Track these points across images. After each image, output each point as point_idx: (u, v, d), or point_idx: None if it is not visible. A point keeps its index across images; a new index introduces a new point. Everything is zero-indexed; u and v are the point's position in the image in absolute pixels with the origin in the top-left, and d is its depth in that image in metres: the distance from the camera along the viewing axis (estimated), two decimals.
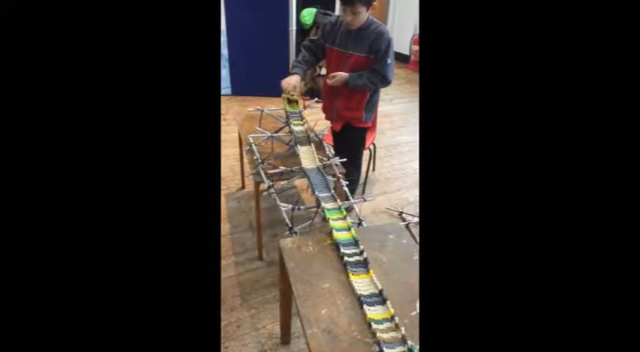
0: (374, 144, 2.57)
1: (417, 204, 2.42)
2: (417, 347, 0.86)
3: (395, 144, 3.29)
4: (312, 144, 1.67)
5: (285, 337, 1.48)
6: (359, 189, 2.39)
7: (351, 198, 1.45)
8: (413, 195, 2.54)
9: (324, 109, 2.04)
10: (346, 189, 1.50)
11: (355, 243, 1.18)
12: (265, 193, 1.46)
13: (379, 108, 2.15)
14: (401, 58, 5.40)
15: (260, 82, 3.87)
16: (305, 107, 1.86)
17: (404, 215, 2.29)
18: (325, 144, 1.75)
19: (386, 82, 1.78)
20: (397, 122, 3.76)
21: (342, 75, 1.73)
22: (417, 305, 0.99)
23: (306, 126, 1.79)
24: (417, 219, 2.26)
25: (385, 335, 0.89)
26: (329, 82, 1.76)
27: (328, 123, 2.08)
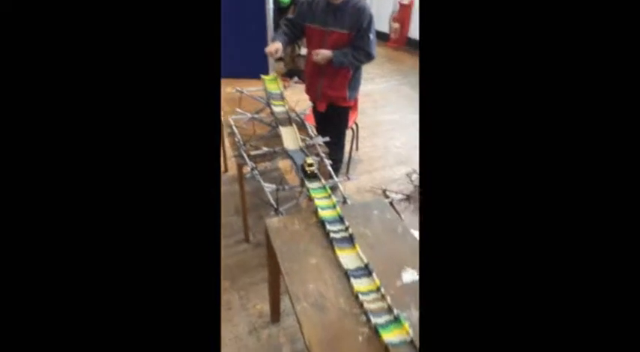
0: (356, 124, 2.57)
1: (400, 181, 2.46)
2: (403, 314, 0.89)
3: (377, 123, 3.30)
4: (294, 125, 1.66)
5: (275, 315, 1.50)
6: (342, 169, 2.41)
7: (335, 177, 1.46)
8: (396, 172, 2.57)
9: (308, 90, 2.02)
10: (330, 168, 1.51)
11: (340, 219, 1.20)
12: (249, 175, 1.45)
13: (360, 88, 2.15)
14: (381, 36, 5.35)
15: (238, 63, 3.77)
16: (286, 87, 1.84)
17: (387, 192, 2.32)
18: (307, 125, 1.74)
19: (370, 58, 1.77)
20: (379, 101, 3.76)
21: (327, 52, 1.71)
22: (403, 275, 1.02)
23: (287, 106, 1.77)
24: (400, 196, 2.30)
25: (372, 306, 0.92)
26: (314, 58, 1.73)
27: (309, 103, 2.06)
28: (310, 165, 1.38)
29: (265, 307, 1.55)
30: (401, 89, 4.12)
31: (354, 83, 1.91)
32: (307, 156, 1.43)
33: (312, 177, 1.36)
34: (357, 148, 2.80)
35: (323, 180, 1.37)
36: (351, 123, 2.37)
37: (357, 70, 1.89)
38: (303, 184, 1.37)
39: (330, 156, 1.62)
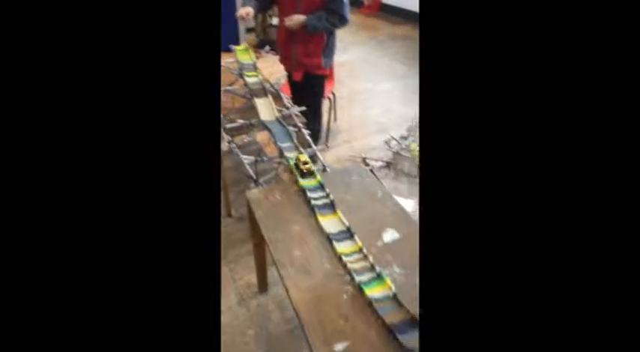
0: (333, 94, 2.55)
1: (380, 149, 2.48)
2: (385, 272, 0.93)
3: (354, 92, 3.28)
4: (270, 96, 1.63)
5: (263, 285, 1.54)
6: (322, 139, 2.40)
7: (313, 146, 1.46)
8: (375, 140, 2.59)
9: (283, 60, 1.97)
10: (308, 138, 1.50)
11: (321, 187, 1.21)
12: (226, 149, 1.43)
13: (335, 57, 2.11)
14: (353, 3, 5.21)
15: None
16: (258, 58, 1.79)
17: (367, 160, 2.35)
18: (283, 95, 1.71)
19: (344, 22, 1.74)
20: (355, 70, 3.72)
21: (300, 17, 1.66)
22: (383, 235, 1.05)
23: (260, 77, 1.73)
24: (380, 163, 2.33)
25: (355, 266, 0.95)
26: (287, 24, 1.68)
27: (284, 73, 2.02)
28: (305, 163, 1.25)
29: (253, 278, 1.58)
30: (377, 57, 4.07)
31: (328, 51, 1.88)
32: (299, 151, 1.32)
33: (309, 175, 1.22)
34: (335, 119, 2.79)
35: (302, 149, 1.37)
36: (327, 93, 2.35)
37: (330, 37, 1.85)
38: (282, 155, 1.36)
39: (307, 126, 1.61)
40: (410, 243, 1.03)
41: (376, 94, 3.26)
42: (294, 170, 1.24)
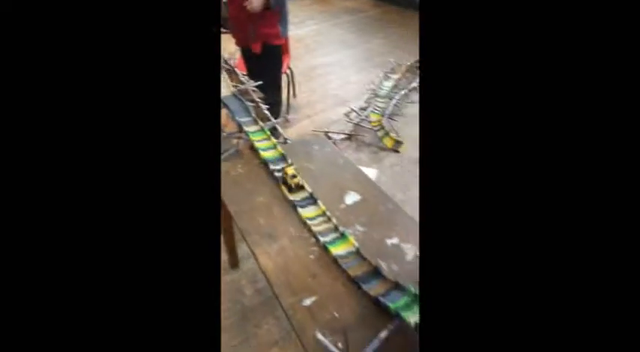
0: (291, 70, 2.53)
1: (341, 121, 2.52)
2: (348, 231, 0.98)
3: (312, 67, 3.26)
4: (223, 71, 1.60)
5: (233, 260, 1.56)
6: (282, 113, 2.40)
7: (272, 119, 1.46)
8: (335, 113, 2.62)
9: (238, 37, 1.93)
10: (267, 112, 1.50)
11: (283, 158, 1.23)
12: None
13: (290, 33, 2.09)
14: None
15: None
16: None
17: (329, 134, 2.38)
18: (238, 71, 1.68)
19: None
20: (311, 45, 3.69)
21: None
22: (346, 198, 1.10)
23: None
24: (342, 136, 2.37)
25: (319, 228, 0.99)
26: (249, 7, 1.64)
27: (236, 49, 1.99)
28: (294, 176, 1.11)
29: (223, 255, 1.59)
30: (332, 31, 4.05)
31: (283, 20, 1.89)
32: (259, 125, 1.29)
33: (299, 188, 1.11)
34: (294, 94, 2.78)
35: (261, 123, 1.37)
36: (285, 68, 2.33)
37: (283, 7, 1.84)
38: (241, 130, 1.36)
39: (268, 99, 1.60)
40: (370, 203, 1.08)
41: (334, 68, 3.26)
42: (282, 186, 1.12)
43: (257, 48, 1.93)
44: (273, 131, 1.45)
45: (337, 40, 3.83)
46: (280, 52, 2.03)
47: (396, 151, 2.26)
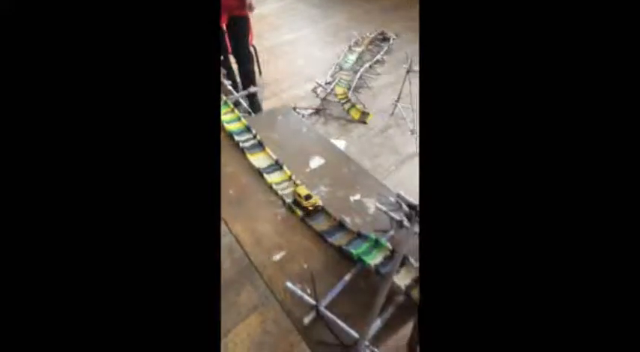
0: (254, 47, 2.51)
1: (308, 97, 2.54)
2: (314, 191, 1.03)
3: (276, 45, 3.24)
4: None
5: None
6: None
7: (234, 92, 1.48)
8: (303, 90, 2.63)
9: None
10: (230, 87, 1.51)
11: (247, 129, 1.25)
12: None
13: (254, 12, 2.09)
14: None
15: None
16: None
17: (297, 110, 2.40)
18: None
19: None
20: (274, 23, 3.64)
21: None
22: (310, 163, 1.14)
23: None
24: (310, 111, 2.40)
25: (286, 191, 1.03)
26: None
27: None
28: (308, 197, 0.96)
29: None
30: (295, 7, 4.00)
31: None
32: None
33: (318, 211, 0.97)
34: (260, 73, 2.76)
35: (224, 96, 1.38)
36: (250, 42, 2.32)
37: None
38: None
39: (242, 69, 1.64)
40: (334, 166, 1.13)
41: (299, 44, 3.25)
42: (294, 208, 0.97)
43: (223, 20, 1.97)
44: (252, 101, 1.47)
45: (301, 16, 3.79)
46: (246, 23, 2.08)
47: (364, 122, 2.32)
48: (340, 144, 2.18)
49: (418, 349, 0.76)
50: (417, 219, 0.63)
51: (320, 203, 0.96)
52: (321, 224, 0.94)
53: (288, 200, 1.00)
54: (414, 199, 0.61)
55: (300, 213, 0.95)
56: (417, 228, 0.75)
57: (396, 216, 0.90)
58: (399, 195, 0.62)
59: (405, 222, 0.87)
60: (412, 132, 2.14)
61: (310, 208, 0.95)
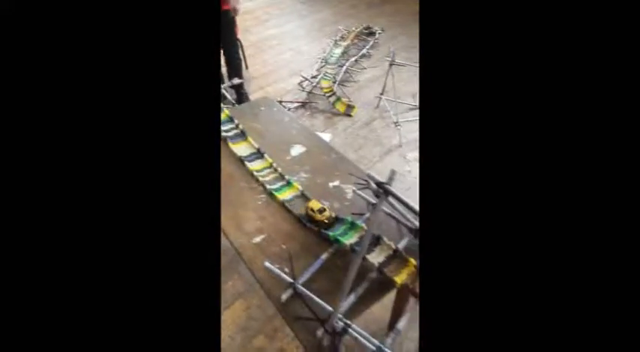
0: (239, 41, 2.52)
1: (294, 91, 2.56)
2: (294, 178, 1.06)
3: (263, 39, 3.25)
4: None
5: None
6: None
7: (227, 81, 1.49)
8: (289, 83, 2.65)
9: None
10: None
11: (230, 119, 1.27)
12: None
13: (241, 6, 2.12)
14: None
15: None
16: None
17: (283, 103, 2.42)
18: None
19: None
20: (261, 17, 3.64)
21: None
22: (291, 151, 1.17)
23: None
24: (296, 104, 2.42)
25: (267, 178, 1.06)
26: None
27: None
28: (322, 210, 0.92)
29: None
30: (282, 1, 4.00)
31: None
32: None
33: (335, 221, 0.93)
34: (246, 66, 2.77)
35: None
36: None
37: None
38: None
39: (230, 60, 1.66)
40: (313, 153, 1.16)
41: (285, 38, 3.27)
42: (305, 222, 0.93)
43: None
44: (239, 93, 1.48)
45: (288, 11, 3.80)
46: (230, 16, 2.11)
47: (349, 115, 2.35)
48: (326, 136, 2.21)
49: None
50: (385, 197, 0.67)
51: (333, 214, 0.93)
52: (299, 209, 0.97)
53: (269, 186, 1.03)
54: (383, 178, 0.64)
55: (314, 227, 0.91)
56: (384, 206, 0.79)
57: (372, 199, 0.93)
58: (368, 175, 0.66)
59: (373, 200, 0.90)
60: (396, 124, 2.18)
61: (326, 221, 0.92)
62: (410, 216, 0.87)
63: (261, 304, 1.36)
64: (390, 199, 0.68)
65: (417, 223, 0.86)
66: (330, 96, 2.38)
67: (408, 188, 1.87)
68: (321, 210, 0.93)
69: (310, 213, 0.93)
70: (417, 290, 0.74)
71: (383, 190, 0.68)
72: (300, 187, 1.02)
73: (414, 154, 2.07)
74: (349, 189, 1.03)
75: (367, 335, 0.68)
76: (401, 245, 0.84)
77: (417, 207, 0.77)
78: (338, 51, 2.80)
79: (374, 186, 0.68)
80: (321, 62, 2.70)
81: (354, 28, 3.18)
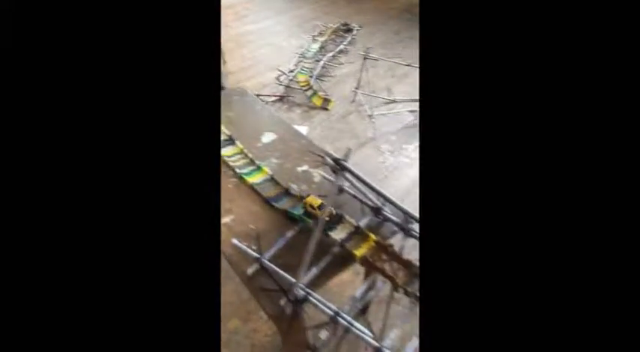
0: None
1: (272, 85, 2.59)
2: (264, 163, 1.10)
3: (242, 34, 3.26)
4: None
5: None
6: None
7: None
8: (267, 78, 2.68)
9: None
10: None
11: None
12: None
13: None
14: None
15: None
16: None
17: (261, 97, 2.45)
18: None
19: None
20: (241, 12, 3.65)
21: None
22: (262, 138, 1.21)
23: None
24: (273, 98, 2.45)
25: (237, 163, 1.10)
26: None
27: None
28: (322, 206, 0.87)
29: None
30: None
31: None
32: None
33: (336, 219, 0.88)
34: (224, 61, 2.78)
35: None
36: None
37: None
38: None
39: None
40: (284, 141, 1.21)
41: (263, 34, 3.29)
42: (302, 218, 0.91)
43: None
44: None
45: (267, 6, 3.82)
46: None
47: (325, 109, 2.40)
48: (303, 129, 2.26)
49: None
50: (343, 173, 0.72)
51: (334, 211, 0.88)
52: (268, 191, 1.01)
53: (239, 170, 1.06)
54: (339, 156, 0.69)
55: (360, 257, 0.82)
56: (341, 182, 0.84)
57: (337, 181, 0.98)
58: (325, 152, 0.70)
59: (331, 177, 0.94)
60: (370, 117, 2.24)
61: (327, 219, 0.85)
62: (372, 196, 0.92)
63: (236, 288, 1.39)
64: (348, 175, 0.73)
65: (377, 202, 0.91)
66: (307, 90, 2.43)
67: (385, 177, 1.93)
68: (322, 207, 0.88)
69: (310, 210, 0.89)
70: (377, 264, 0.79)
71: (339, 166, 0.72)
72: (269, 171, 1.06)
73: (387, 146, 2.14)
74: (316, 173, 1.08)
75: (326, 301, 0.73)
76: (362, 222, 0.89)
77: (375, 185, 0.82)
78: (315, 46, 2.84)
79: (330, 162, 0.73)
80: (299, 57, 2.74)
81: (332, 25, 3.22)
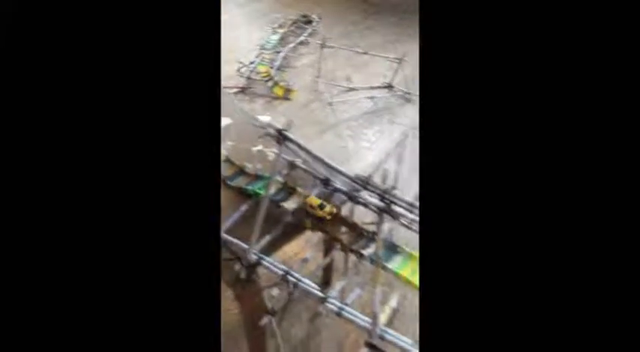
0: None
1: (233, 77, 2.60)
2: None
3: None
4: None
5: None
6: None
7: None
8: (228, 70, 2.68)
9: None
10: None
11: None
12: None
13: None
14: None
15: None
16: None
17: (223, 88, 2.46)
18: None
19: None
20: None
21: None
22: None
23: None
24: (235, 90, 2.47)
25: None
26: None
27: None
28: (322, 206, 0.86)
29: None
30: None
31: None
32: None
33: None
34: None
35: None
36: None
37: None
38: None
39: None
40: (238, 124, 1.25)
41: (223, 26, 3.27)
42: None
43: None
44: None
45: (226, 0, 3.79)
46: None
47: (287, 99, 2.44)
48: (265, 119, 2.29)
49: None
50: (286, 143, 0.77)
51: (334, 210, 0.87)
52: (224, 171, 1.05)
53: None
54: (281, 126, 0.75)
55: (309, 224, 0.85)
56: (284, 153, 0.89)
57: (289, 158, 1.03)
58: (268, 123, 0.76)
59: (275, 150, 0.98)
60: (330, 104, 2.31)
61: (328, 217, 0.84)
62: (320, 167, 0.98)
63: None
64: (290, 145, 0.79)
65: (325, 173, 0.97)
66: (267, 80, 2.46)
67: (346, 160, 2.01)
68: (322, 206, 0.87)
69: (310, 210, 0.87)
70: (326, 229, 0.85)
71: (282, 136, 0.78)
72: (225, 152, 1.10)
73: (348, 131, 2.21)
74: (271, 152, 1.13)
75: (276, 263, 0.79)
76: (313, 193, 0.95)
77: (322, 156, 0.88)
78: (275, 37, 2.87)
79: (273, 132, 0.78)
80: (260, 49, 2.76)
81: (292, 17, 3.26)
